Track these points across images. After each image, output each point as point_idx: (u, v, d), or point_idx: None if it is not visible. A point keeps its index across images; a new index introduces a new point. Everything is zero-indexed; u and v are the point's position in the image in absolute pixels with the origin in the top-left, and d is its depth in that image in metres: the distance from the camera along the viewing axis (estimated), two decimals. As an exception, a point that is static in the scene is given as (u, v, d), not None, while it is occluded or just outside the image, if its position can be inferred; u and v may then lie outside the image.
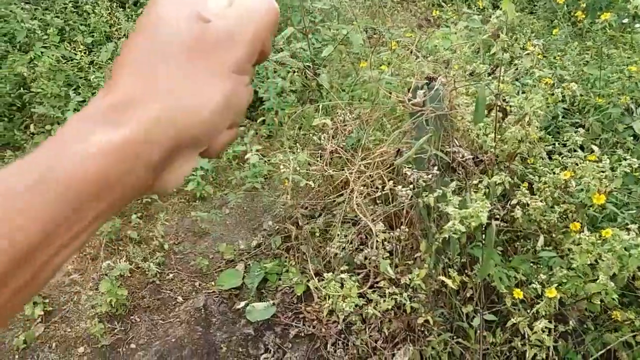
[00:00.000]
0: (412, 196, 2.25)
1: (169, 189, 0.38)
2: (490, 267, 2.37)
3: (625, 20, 3.41)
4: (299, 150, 2.43)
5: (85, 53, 3.95)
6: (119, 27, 4.14)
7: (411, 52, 2.52)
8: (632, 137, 3.02)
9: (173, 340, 2.67)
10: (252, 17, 0.39)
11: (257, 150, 2.71)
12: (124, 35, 3.89)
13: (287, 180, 2.30)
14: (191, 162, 0.38)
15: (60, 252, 0.32)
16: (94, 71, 3.82)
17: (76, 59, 3.91)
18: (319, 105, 2.59)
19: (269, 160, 2.70)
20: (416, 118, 2.23)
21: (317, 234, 2.55)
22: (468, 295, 2.49)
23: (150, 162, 0.34)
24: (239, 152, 3.12)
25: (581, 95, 3.32)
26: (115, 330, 2.74)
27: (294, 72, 2.91)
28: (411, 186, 2.11)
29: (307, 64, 2.80)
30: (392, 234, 2.18)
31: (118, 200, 0.34)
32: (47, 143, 0.33)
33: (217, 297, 2.84)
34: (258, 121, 3.27)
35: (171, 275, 3.01)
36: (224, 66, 0.37)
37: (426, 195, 2.16)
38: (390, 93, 2.29)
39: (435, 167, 2.32)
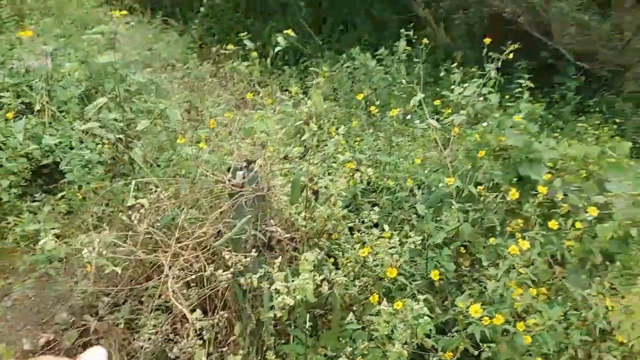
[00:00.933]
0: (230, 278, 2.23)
1: None
2: (301, 348, 2.45)
3: (409, 117, 4.04)
4: (105, 230, 2.22)
5: None
6: None
7: (230, 132, 2.58)
8: (415, 215, 3.46)
9: None
10: None
11: (53, 230, 2.40)
12: None
13: (90, 265, 2.07)
14: None
15: None
16: None
17: None
18: (130, 181, 2.44)
19: (67, 242, 2.39)
20: (236, 199, 2.26)
21: (122, 325, 2.31)
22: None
23: None
24: (29, 232, 2.68)
25: (376, 177, 3.79)
26: None
27: (104, 144, 2.71)
28: (231, 269, 2.10)
29: (119, 136, 2.64)
30: (208, 321, 2.11)
31: None
32: None
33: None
34: (57, 196, 2.90)
35: None
36: None
37: (248, 277, 2.16)
38: (214, 173, 2.29)
39: (254, 249, 2.35)
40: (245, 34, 3.85)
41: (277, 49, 3.05)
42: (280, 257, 2.28)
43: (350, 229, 3.18)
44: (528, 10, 7.93)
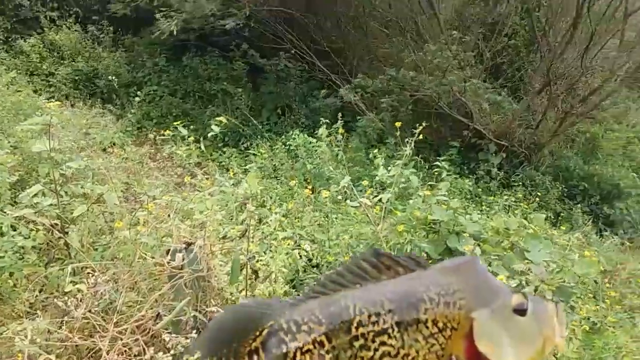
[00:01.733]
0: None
1: None
2: None
3: (340, 197, 4.26)
4: (39, 317, 2.16)
5: None
6: None
7: (168, 215, 2.64)
8: None
9: None
10: None
11: (-20, 319, 2.30)
12: None
13: (22, 355, 2.00)
14: None
15: None
16: None
17: None
18: (66, 266, 2.42)
19: (-5, 331, 2.28)
20: (175, 280, 2.29)
21: (56, 417, 2.18)
22: None
23: None
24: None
25: (316, 253, 3.90)
26: None
27: (37, 229, 2.68)
28: (172, 351, 2.08)
29: (55, 221, 2.63)
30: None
31: None
32: None
33: None
34: (-14, 284, 2.77)
35: None
36: None
37: (185, 359, 2.14)
38: (153, 257, 2.32)
39: (194, 330, 2.35)
40: (182, 119, 4.02)
41: (211, 133, 3.22)
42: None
43: (293, 306, 3.21)
44: (445, 93, 8.68)
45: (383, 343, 0.60)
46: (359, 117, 8.50)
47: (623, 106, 10.67)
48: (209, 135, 3.36)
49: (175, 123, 3.78)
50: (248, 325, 0.66)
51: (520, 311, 0.60)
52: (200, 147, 4.07)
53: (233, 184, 3.74)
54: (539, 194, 8.71)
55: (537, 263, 3.76)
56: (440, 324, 0.60)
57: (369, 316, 0.61)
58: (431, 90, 8.62)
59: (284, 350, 0.64)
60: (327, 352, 0.63)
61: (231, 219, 3.17)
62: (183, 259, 2.33)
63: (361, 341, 0.61)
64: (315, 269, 3.94)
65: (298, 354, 0.63)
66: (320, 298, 0.66)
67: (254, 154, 6.28)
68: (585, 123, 10.85)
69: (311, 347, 0.63)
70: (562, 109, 9.80)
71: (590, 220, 8.75)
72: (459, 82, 8.49)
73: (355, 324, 0.61)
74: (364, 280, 0.67)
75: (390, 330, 0.60)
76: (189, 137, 3.59)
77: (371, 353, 0.62)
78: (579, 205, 9.22)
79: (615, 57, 9.14)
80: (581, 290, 4.75)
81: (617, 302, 5.35)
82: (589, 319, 4.01)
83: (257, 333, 0.65)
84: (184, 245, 2.38)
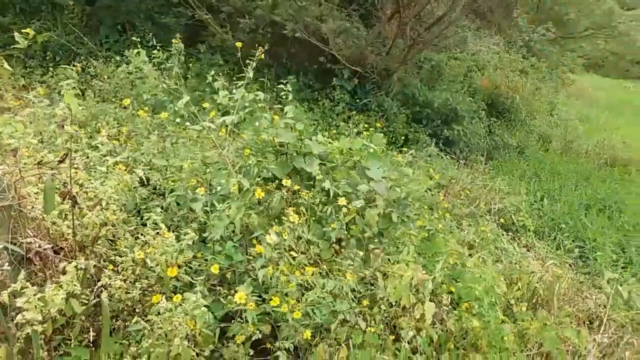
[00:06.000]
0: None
1: None
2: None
3: (178, 120, 4.06)
4: None
5: None
6: None
7: (-34, 140, 2.31)
8: (204, 213, 3.45)
9: None
10: None
11: None
12: None
13: None
14: None
15: None
16: None
17: None
18: None
19: None
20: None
21: None
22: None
23: None
24: None
25: (159, 180, 3.74)
26: None
27: None
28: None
29: None
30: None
31: None
32: None
33: None
34: None
35: None
36: None
37: (-1, 294, 1.98)
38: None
39: (7, 263, 2.16)
40: (0, 35, 3.46)
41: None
42: (29, 272, 2.14)
43: (135, 233, 3.09)
44: (301, 18, 8.60)
45: None
46: (211, 37, 8.07)
47: (462, 35, 11.57)
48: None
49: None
50: None
51: None
52: (18, 65, 3.56)
53: (53, 106, 3.34)
54: (387, 117, 9.28)
55: (377, 180, 4.04)
56: None
57: None
58: (287, 15, 8.45)
59: None
60: None
61: (41, 141, 2.87)
62: (-17, 187, 2.08)
63: None
64: (161, 197, 3.80)
65: None
66: None
67: (91, 75, 5.70)
68: (432, 51, 11.63)
69: None
70: (410, 36, 10.32)
71: (434, 143, 9.64)
72: (312, 12, 8.44)
73: None
74: None
75: None
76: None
77: None
78: (423, 128, 10.06)
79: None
80: (419, 203, 5.28)
81: (448, 211, 6.09)
82: (424, 227, 4.49)
83: None
84: (-20, 173, 2.11)
